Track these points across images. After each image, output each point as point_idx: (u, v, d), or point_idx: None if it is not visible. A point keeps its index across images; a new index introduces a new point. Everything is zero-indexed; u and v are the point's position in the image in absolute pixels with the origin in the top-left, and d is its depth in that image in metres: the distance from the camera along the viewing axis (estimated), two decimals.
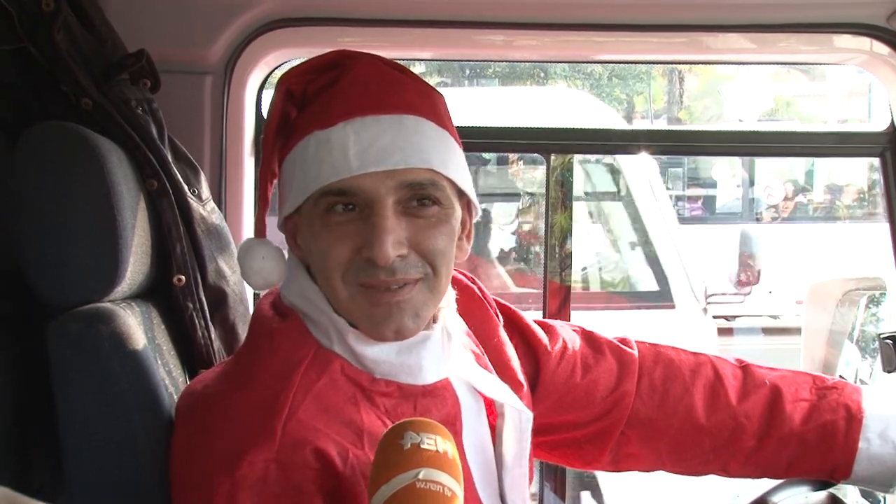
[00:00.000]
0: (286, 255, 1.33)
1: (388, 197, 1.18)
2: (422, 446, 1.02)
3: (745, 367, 1.59)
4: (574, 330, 1.60)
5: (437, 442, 1.03)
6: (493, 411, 1.37)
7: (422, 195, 1.20)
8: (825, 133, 2.13)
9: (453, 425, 1.27)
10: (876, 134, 2.03)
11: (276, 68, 2.02)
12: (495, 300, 1.53)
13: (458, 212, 1.27)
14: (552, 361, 1.52)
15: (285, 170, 1.27)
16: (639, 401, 1.54)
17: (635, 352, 1.57)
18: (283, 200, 1.28)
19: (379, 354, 1.22)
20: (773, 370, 1.59)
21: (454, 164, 1.25)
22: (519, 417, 1.34)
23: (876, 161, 2.02)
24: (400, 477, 1.00)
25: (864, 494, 2.18)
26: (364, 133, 1.19)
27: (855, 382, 2.39)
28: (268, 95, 2.00)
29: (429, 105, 1.26)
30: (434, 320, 1.29)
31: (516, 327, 1.54)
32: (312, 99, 1.25)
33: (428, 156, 1.20)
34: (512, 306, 1.56)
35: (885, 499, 2.07)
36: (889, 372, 1.91)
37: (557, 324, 1.60)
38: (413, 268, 1.21)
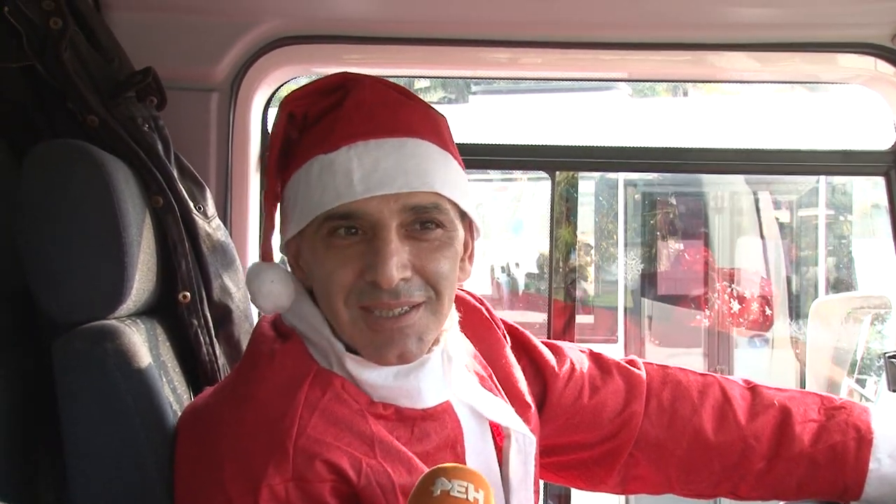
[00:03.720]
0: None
1: (392, 220, 1.18)
2: (451, 494, 1.02)
3: (753, 388, 1.58)
4: (582, 351, 1.59)
5: (469, 490, 1.03)
6: (500, 433, 1.36)
7: (425, 219, 1.20)
8: (829, 151, 2.13)
9: (454, 448, 1.27)
10: (880, 153, 2.03)
11: (282, 86, 2.02)
12: (503, 321, 1.53)
13: (462, 234, 1.26)
14: (560, 383, 1.52)
15: (288, 193, 1.26)
16: (647, 422, 1.54)
17: (643, 373, 1.57)
18: (285, 223, 1.28)
19: (377, 379, 1.22)
20: (781, 391, 1.58)
21: (456, 187, 1.24)
22: (523, 440, 1.34)
23: None
24: None
25: None
26: (367, 157, 1.19)
27: (860, 401, 2.38)
28: (274, 113, 2.01)
29: (431, 127, 1.26)
30: (435, 343, 1.28)
31: (524, 348, 1.53)
32: (314, 122, 1.25)
33: (431, 179, 1.20)
34: (520, 327, 1.56)
35: None
36: (894, 391, 1.90)
37: (565, 345, 1.59)
38: (416, 291, 1.20)
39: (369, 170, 1.18)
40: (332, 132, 1.22)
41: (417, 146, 1.22)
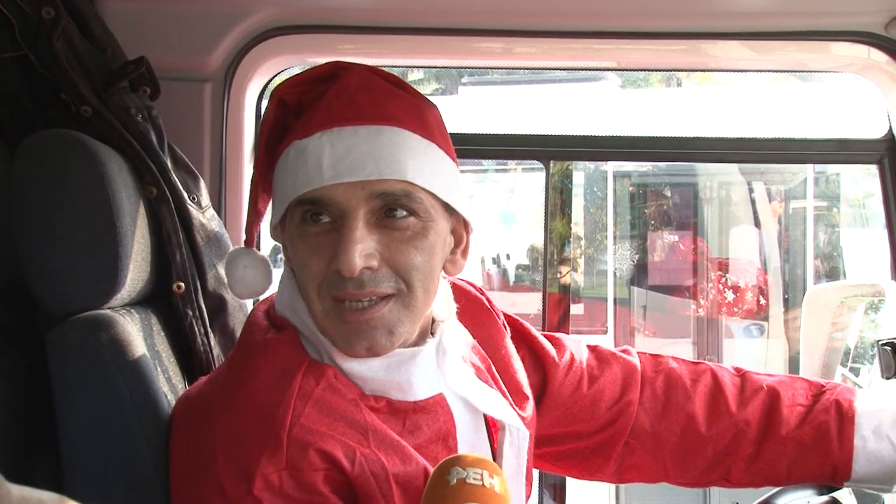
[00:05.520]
0: (271, 266, 1.33)
1: (359, 208, 1.16)
2: (468, 481, 1.03)
3: (742, 375, 1.59)
4: (578, 341, 1.60)
5: (484, 477, 1.04)
6: (496, 424, 1.36)
7: (394, 205, 1.17)
8: (823, 140, 2.13)
9: (446, 441, 1.26)
10: (874, 141, 2.04)
11: (276, 76, 2.02)
12: (503, 313, 1.53)
13: (442, 226, 1.23)
14: (560, 373, 1.52)
15: (273, 180, 1.26)
16: (642, 410, 1.55)
17: (637, 362, 1.58)
18: (272, 210, 1.28)
19: (366, 372, 1.21)
20: (770, 376, 1.60)
21: (438, 177, 1.22)
22: (517, 434, 1.33)
23: None
24: None
25: (861, 498, 2.17)
26: (340, 143, 1.17)
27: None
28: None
29: (415, 117, 1.23)
30: (432, 334, 1.28)
31: (524, 339, 1.54)
32: (305, 110, 1.24)
33: (403, 167, 1.17)
34: (520, 319, 1.56)
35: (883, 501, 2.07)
36: (888, 378, 1.91)
37: (563, 336, 1.60)
38: (384, 282, 1.18)
39: (340, 156, 1.16)
40: (311, 118, 1.21)
41: (395, 134, 1.19)
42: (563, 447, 1.56)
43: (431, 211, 1.21)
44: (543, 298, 2.64)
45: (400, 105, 1.23)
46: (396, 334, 1.20)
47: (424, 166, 1.20)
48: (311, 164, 1.17)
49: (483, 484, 1.03)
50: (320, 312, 1.20)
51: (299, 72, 1.29)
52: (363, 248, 1.15)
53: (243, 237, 1.84)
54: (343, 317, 1.18)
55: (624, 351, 1.60)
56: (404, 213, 1.18)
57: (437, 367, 1.26)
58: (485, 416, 1.36)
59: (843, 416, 1.52)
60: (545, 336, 1.57)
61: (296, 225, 1.21)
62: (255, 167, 1.31)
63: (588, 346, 1.60)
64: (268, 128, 1.27)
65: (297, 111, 1.25)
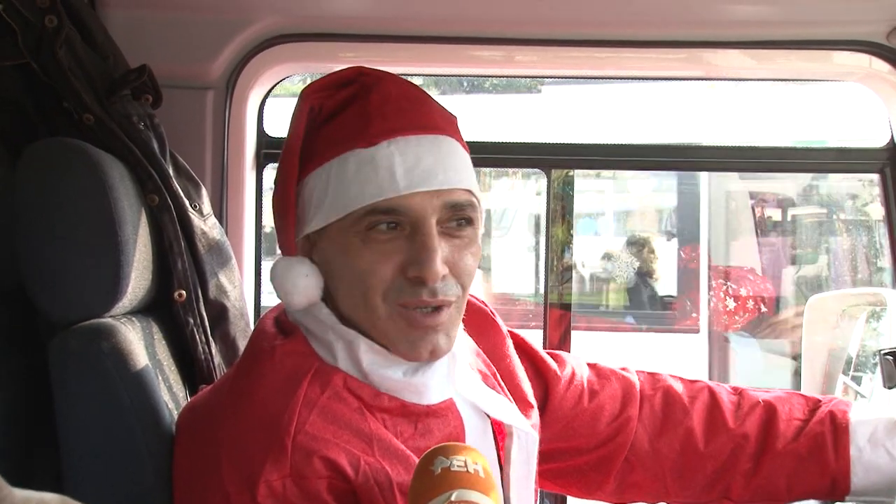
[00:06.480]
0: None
1: (433, 216, 1.20)
2: (452, 469, 1.03)
3: (740, 392, 1.60)
4: (578, 358, 1.61)
5: (468, 463, 1.04)
6: (501, 431, 1.36)
7: (461, 216, 1.22)
8: (824, 149, 2.14)
9: None
10: (875, 150, 2.04)
11: (278, 83, 2.02)
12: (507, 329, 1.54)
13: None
14: (561, 387, 1.53)
15: (309, 186, 1.24)
16: (641, 427, 1.55)
17: (636, 379, 1.59)
18: (303, 217, 1.25)
19: (387, 372, 1.22)
20: (767, 392, 1.61)
21: (476, 185, 1.27)
22: (525, 438, 1.34)
23: None
24: (433, 502, 1.01)
25: None
26: (409, 153, 1.20)
27: (855, 398, 2.38)
28: (269, 110, 2.01)
29: (453, 125, 1.28)
30: None
31: (526, 353, 1.55)
32: (331, 115, 1.24)
33: (464, 176, 1.23)
34: (521, 334, 1.57)
35: None
36: (889, 388, 1.90)
37: (563, 353, 1.62)
38: (451, 289, 1.21)
39: (411, 165, 1.19)
40: (369, 126, 1.21)
41: (450, 144, 1.24)
42: (563, 464, 1.56)
43: (481, 218, 1.26)
44: (545, 310, 2.60)
45: (439, 113, 1.27)
46: (451, 338, 1.24)
47: (471, 174, 1.26)
48: (382, 173, 1.19)
49: (467, 470, 1.04)
50: (384, 317, 1.21)
51: (321, 76, 1.29)
52: (442, 256, 1.19)
53: (245, 243, 1.84)
54: (413, 321, 1.21)
55: (622, 368, 1.62)
56: (465, 222, 1.23)
57: (448, 372, 1.28)
58: (491, 422, 1.36)
59: (838, 427, 1.52)
60: (546, 352, 1.58)
61: (358, 232, 1.20)
62: (288, 174, 1.26)
63: (588, 363, 1.61)
64: (301, 134, 1.25)
65: (320, 116, 1.25)
